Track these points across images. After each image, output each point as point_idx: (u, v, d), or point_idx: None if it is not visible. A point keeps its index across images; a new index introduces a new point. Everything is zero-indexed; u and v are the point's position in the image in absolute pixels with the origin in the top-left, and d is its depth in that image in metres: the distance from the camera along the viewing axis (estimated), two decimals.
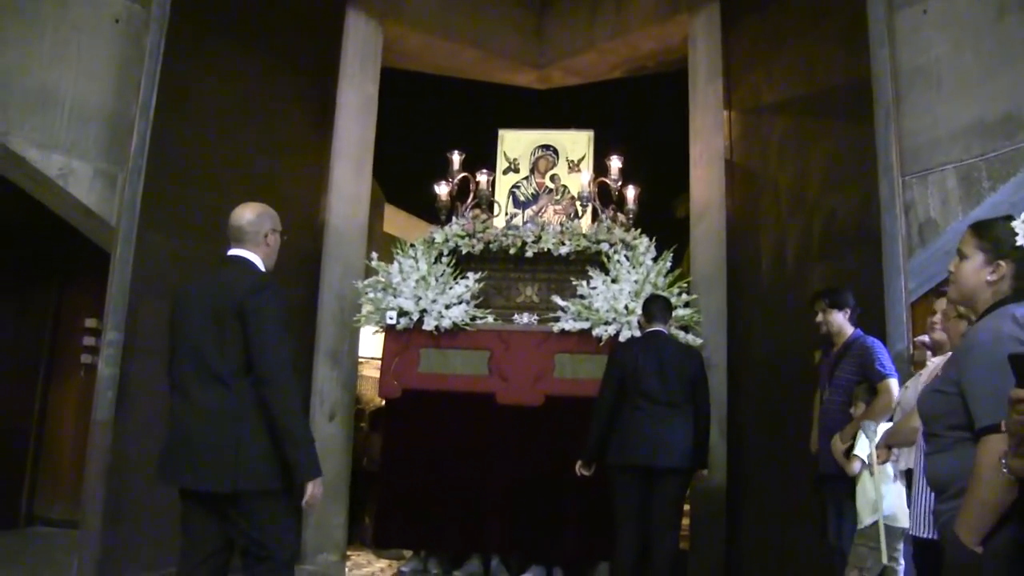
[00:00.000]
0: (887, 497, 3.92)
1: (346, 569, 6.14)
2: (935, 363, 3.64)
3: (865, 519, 4.00)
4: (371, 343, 7.06)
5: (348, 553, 6.46)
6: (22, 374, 7.07)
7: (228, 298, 2.97)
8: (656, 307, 4.95)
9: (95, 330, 6.76)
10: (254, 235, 3.16)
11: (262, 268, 3.16)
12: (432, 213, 6.52)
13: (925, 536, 3.01)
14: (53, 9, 5.21)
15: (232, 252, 3.16)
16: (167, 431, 3.08)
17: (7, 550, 6.10)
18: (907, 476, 3.77)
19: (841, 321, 4.43)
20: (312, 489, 2.90)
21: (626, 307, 5.55)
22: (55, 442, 7.17)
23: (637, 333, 5.35)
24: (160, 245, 5.25)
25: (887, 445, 3.76)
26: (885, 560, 3.83)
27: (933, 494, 2.31)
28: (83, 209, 5.26)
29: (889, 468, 3.94)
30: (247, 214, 3.18)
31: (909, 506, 3.55)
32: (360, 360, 7.25)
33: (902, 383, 4.06)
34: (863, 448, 3.94)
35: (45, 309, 7.27)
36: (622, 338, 5.45)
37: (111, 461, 4.86)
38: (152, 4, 5.25)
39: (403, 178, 8.90)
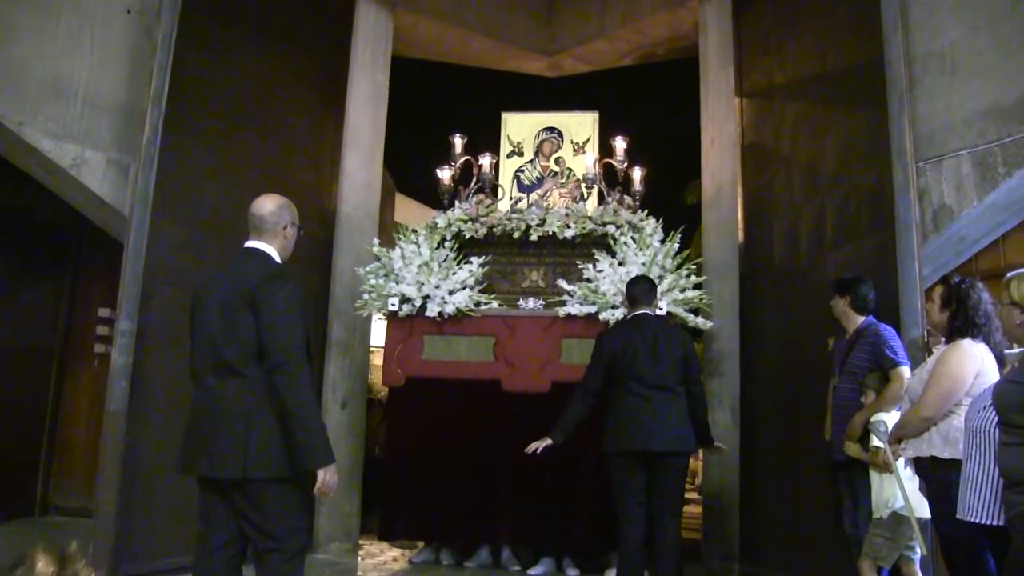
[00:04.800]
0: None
1: (358, 558, 6.15)
2: (939, 351, 3.63)
3: (881, 510, 3.98)
4: (383, 332, 7.05)
5: (360, 542, 6.48)
6: (36, 364, 7.12)
7: (241, 288, 2.99)
8: (639, 289, 4.82)
9: (108, 319, 6.79)
10: (273, 226, 3.18)
11: (278, 260, 3.17)
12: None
13: (980, 521, 2.95)
14: None
15: (249, 244, 3.18)
16: (187, 421, 3.09)
17: (22, 538, 6.14)
18: (914, 463, 3.75)
19: (843, 308, 4.45)
20: (323, 476, 2.89)
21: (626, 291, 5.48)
22: (69, 431, 7.22)
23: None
24: (172, 234, 5.27)
25: (897, 439, 3.73)
26: (924, 552, 3.82)
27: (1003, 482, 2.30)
28: (96, 199, 5.29)
29: (902, 460, 3.91)
30: (268, 205, 3.19)
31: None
32: (372, 349, 7.25)
33: (914, 371, 4.04)
34: (879, 441, 3.92)
35: (59, 299, 7.31)
36: None
37: (125, 450, 4.88)
38: None
39: (414, 167, 8.89)
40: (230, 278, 3.07)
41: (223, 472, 2.90)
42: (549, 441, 4.63)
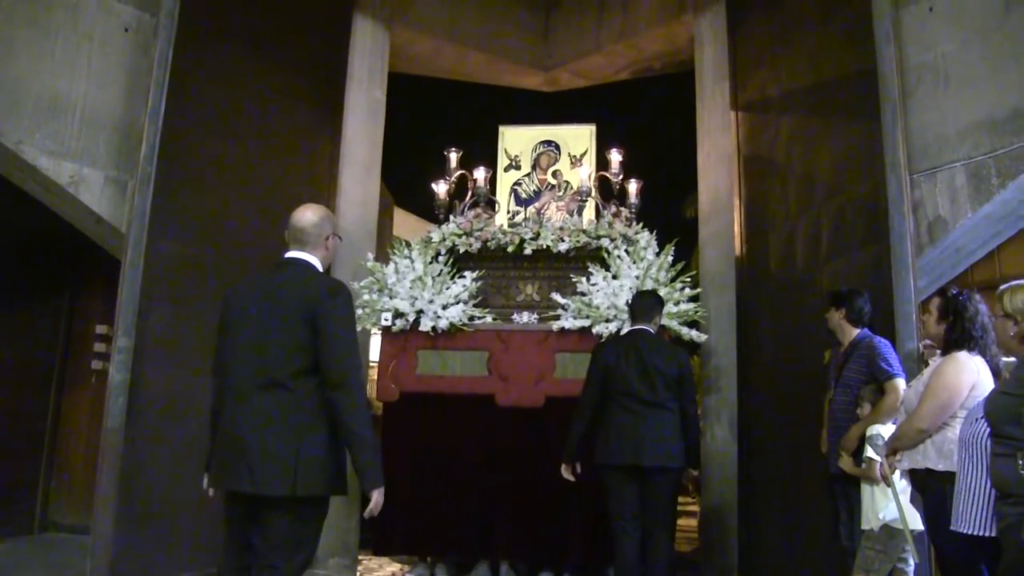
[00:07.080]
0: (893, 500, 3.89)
1: (357, 574, 6.13)
2: (936, 363, 3.63)
3: (873, 522, 3.97)
4: None
5: (360, 557, 6.45)
6: (35, 381, 7.12)
7: (298, 301, 2.94)
8: (640, 304, 4.86)
9: (106, 336, 6.80)
10: (316, 237, 3.13)
11: (320, 270, 3.14)
12: None
13: (973, 533, 2.95)
14: (64, 18, 5.27)
15: (291, 254, 3.13)
16: (219, 436, 2.98)
17: (21, 556, 6.13)
18: (910, 476, 3.75)
19: (838, 321, 4.45)
20: (377, 497, 2.91)
21: (627, 303, 5.47)
22: (68, 448, 7.22)
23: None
24: (170, 251, 5.28)
25: (892, 451, 3.73)
26: (916, 561, 3.81)
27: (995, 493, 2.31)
28: (94, 216, 5.30)
29: (897, 472, 3.91)
30: (309, 216, 3.15)
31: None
32: (372, 364, 7.24)
33: (910, 383, 4.04)
34: (875, 454, 3.91)
35: (57, 316, 7.32)
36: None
37: (123, 467, 4.87)
38: (160, 12, 5.29)
39: (413, 181, 8.92)
40: (279, 290, 3.01)
41: (269, 488, 2.81)
42: (569, 472, 4.76)
